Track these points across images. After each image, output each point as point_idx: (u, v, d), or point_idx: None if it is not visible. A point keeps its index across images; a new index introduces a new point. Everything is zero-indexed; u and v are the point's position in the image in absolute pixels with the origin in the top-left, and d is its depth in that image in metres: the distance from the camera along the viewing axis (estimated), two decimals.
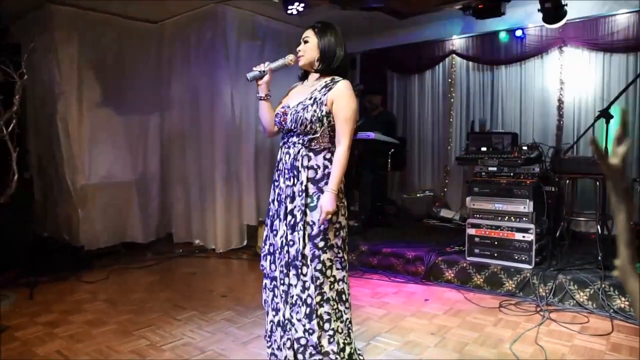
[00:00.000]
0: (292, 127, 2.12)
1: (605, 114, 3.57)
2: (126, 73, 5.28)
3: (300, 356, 2.10)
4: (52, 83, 4.74)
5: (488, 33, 5.57)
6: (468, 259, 4.04)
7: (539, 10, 4.44)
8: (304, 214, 2.08)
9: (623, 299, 3.28)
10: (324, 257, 2.10)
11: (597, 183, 4.06)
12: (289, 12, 4.40)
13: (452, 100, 6.14)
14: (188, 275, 4.54)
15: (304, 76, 2.32)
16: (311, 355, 2.08)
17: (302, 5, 4.43)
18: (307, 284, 2.08)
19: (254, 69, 2.20)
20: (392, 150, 5.42)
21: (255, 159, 5.55)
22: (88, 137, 4.96)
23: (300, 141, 2.12)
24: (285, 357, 2.17)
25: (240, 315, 3.42)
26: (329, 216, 2.04)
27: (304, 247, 2.08)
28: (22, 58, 3.63)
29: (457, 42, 5.93)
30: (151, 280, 4.38)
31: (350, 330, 2.23)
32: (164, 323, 3.27)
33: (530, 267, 3.74)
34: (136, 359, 2.73)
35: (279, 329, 2.19)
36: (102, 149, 5.09)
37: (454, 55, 6.00)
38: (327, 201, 2.03)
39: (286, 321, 2.14)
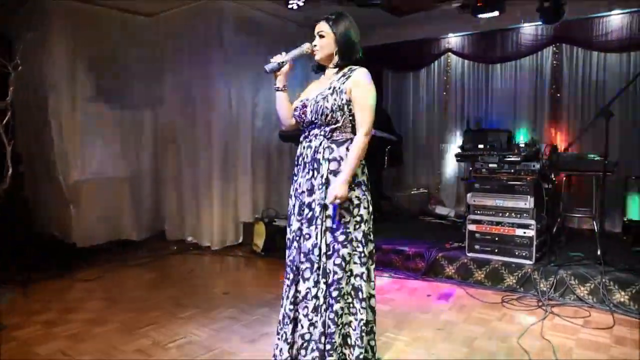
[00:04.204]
0: (314, 119, 2.10)
1: (605, 113, 3.62)
2: (120, 67, 5.18)
3: (302, 351, 2.09)
4: (44, 76, 4.62)
5: (484, 32, 5.62)
6: (469, 254, 4.06)
7: (537, 10, 4.48)
8: (325, 207, 2.06)
9: (623, 293, 3.34)
10: (343, 251, 2.08)
11: (594, 180, 4.13)
12: (290, 6, 4.37)
13: (447, 97, 6.17)
14: (186, 273, 4.47)
15: (318, 68, 2.27)
16: (312, 350, 2.06)
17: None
18: (318, 278, 2.06)
19: (272, 60, 2.13)
20: (389, 147, 5.43)
21: (252, 155, 5.50)
22: (80, 132, 4.86)
23: (322, 132, 2.10)
24: (281, 349, 2.18)
25: (245, 312, 3.38)
26: (337, 201, 1.99)
27: (320, 241, 2.05)
28: (16, 50, 3.51)
29: (453, 40, 5.96)
30: (149, 278, 4.29)
31: (363, 334, 2.11)
32: (167, 321, 3.21)
33: (531, 262, 3.78)
34: (143, 359, 2.66)
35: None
36: (95, 144, 5.00)
37: (449, 53, 6.03)
38: (336, 185, 2.00)
39: (285, 315, 2.17)
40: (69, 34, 4.70)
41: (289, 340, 2.16)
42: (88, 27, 4.88)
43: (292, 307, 2.15)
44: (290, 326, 2.15)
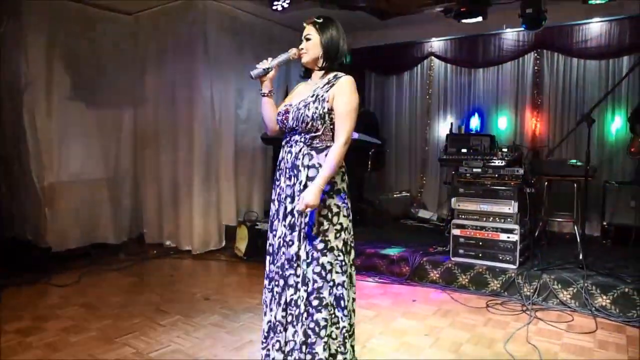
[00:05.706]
0: (294, 126, 2.07)
1: (587, 119, 3.68)
2: (99, 66, 5.01)
3: (289, 358, 2.05)
4: (19, 73, 4.43)
5: (467, 36, 5.66)
6: (453, 259, 4.07)
7: (519, 16, 4.52)
8: (302, 214, 2.03)
9: (604, 297, 3.38)
10: (323, 259, 2.04)
11: (575, 185, 4.19)
12: (274, 7, 4.31)
13: (429, 101, 6.20)
14: (166, 278, 4.36)
15: (306, 74, 2.25)
16: (298, 358, 2.03)
17: (287, 1, 4.35)
18: (299, 286, 2.05)
19: (258, 66, 2.13)
20: (373, 150, 5.42)
21: (235, 157, 5.42)
22: (57, 132, 4.68)
23: (302, 139, 2.07)
24: (273, 359, 2.12)
25: (228, 319, 3.31)
26: (307, 209, 1.96)
27: (299, 248, 2.04)
28: None
29: (436, 44, 6.00)
30: (127, 283, 4.17)
31: (346, 340, 2.11)
32: (148, 328, 3.12)
33: (514, 267, 3.80)
34: None
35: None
36: (72, 144, 4.82)
37: (432, 57, 6.07)
38: (308, 193, 1.95)
39: (277, 323, 2.11)
40: (46, 30, 4.52)
41: (283, 349, 2.10)
42: (66, 24, 4.71)
43: (284, 313, 2.10)
44: (284, 334, 2.10)
